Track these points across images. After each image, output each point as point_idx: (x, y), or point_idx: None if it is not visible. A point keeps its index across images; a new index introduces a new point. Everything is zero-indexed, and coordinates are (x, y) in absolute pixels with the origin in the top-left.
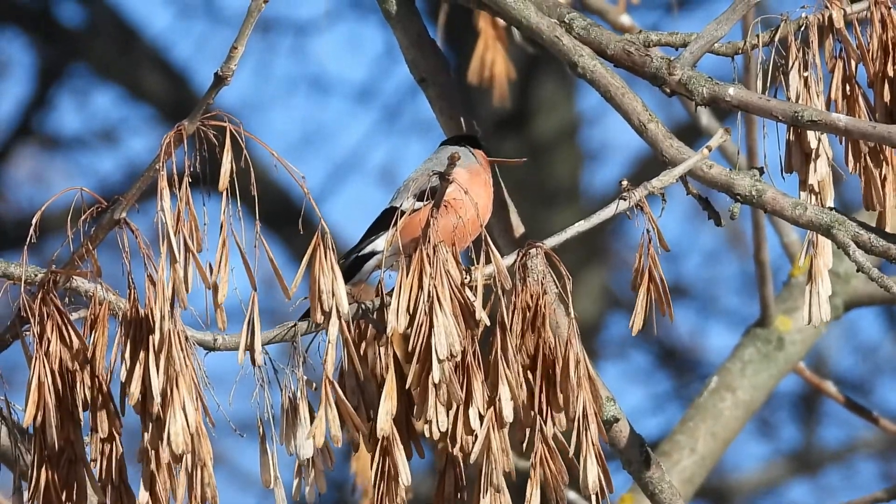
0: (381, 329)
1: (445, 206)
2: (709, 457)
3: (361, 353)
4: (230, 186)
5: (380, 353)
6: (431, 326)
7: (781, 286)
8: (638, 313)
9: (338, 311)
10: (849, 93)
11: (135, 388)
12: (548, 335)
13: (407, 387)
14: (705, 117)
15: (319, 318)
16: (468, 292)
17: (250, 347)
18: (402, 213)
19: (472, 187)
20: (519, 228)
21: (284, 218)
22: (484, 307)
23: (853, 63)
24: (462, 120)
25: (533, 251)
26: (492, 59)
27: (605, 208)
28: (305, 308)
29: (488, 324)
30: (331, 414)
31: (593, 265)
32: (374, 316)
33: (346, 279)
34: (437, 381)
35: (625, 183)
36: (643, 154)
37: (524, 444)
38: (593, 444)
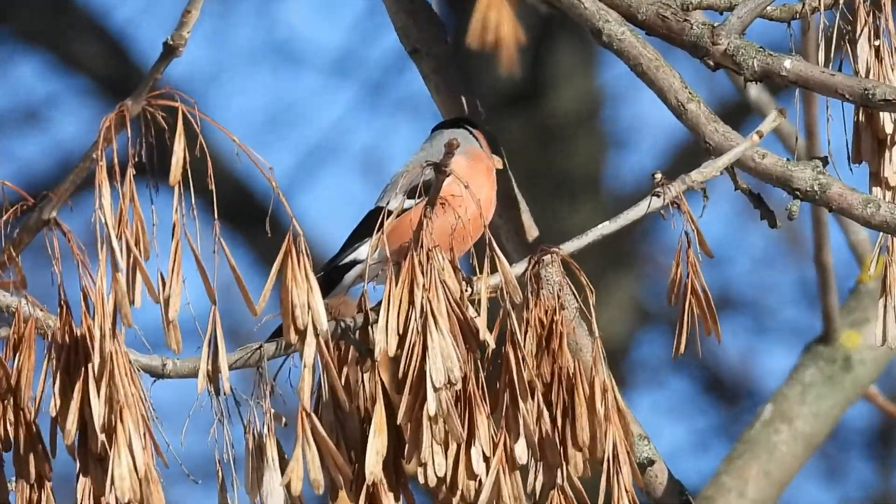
0: (365, 351)
1: (442, 203)
2: (761, 502)
3: (342, 380)
4: (183, 179)
5: (363, 381)
6: (425, 348)
7: (847, 294)
8: (678, 333)
9: (315, 329)
10: None
11: (70, 424)
12: (566, 359)
13: (397, 421)
14: (756, 94)
15: (293, 337)
16: (469, 307)
17: (212, 373)
18: (390, 213)
19: (474, 178)
20: (531, 230)
21: (249, 215)
22: (489, 325)
23: None
24: (463, 99)
25: (548, 258)
26: (497, 20)
27: (635, 206)
28: (274, 327)
29: (494, 346)
30: (309, 453)
31: (621, 274)
32: (357, 336)
33: (325, 292)
34: (432, 415)
35: (658, 176)
36: (681, 140)
37: (536, 491)
38: (627, 492)
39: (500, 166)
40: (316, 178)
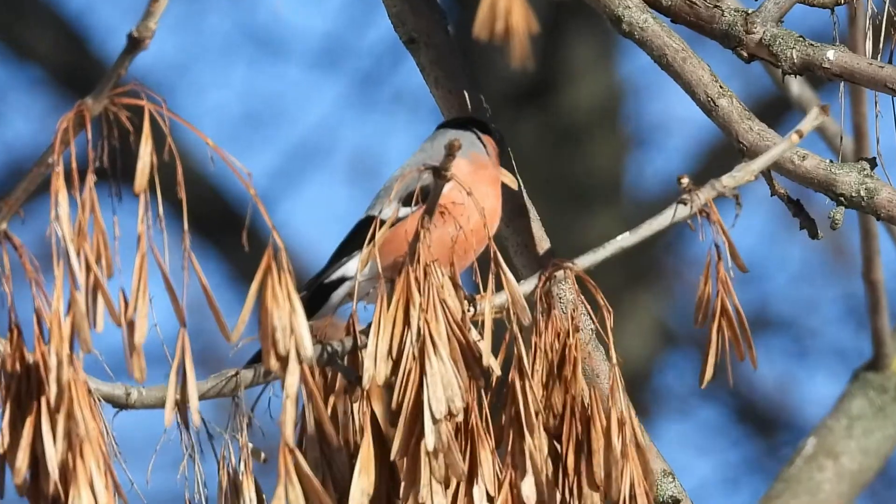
0: (355, 379)
1: (441, 211)
2: None
3: (329, 411)
4: (150, 186)
5: (352, 412)
6: (423, 376)
7: None
8: (707, 358)
9: (298, 354)
10: None
11: (21, 462)
12: (581, 387)
13: (390, 457)
14: (796, 89)
15: (273, 364)
16: (472, 330)
17: (182, 403)
18: (383, 223)
19: (478, 185)
20: (542, 242)
21: (224, 226)
22: (494, 350)
23: None
24: (466, 95)
25: (560, 273)
26: (506, 7)
27: (659, 215)
28: (253, 351)
29: (500, 373)
30: (293, 493)
31: (642, 292)
32: (345, 362)
33: (309, 313)
34: (431, 449)
35: (685, 181)
36: (711, 140)
37: None
38: None
39: (514, 186)
40: (299, 183)
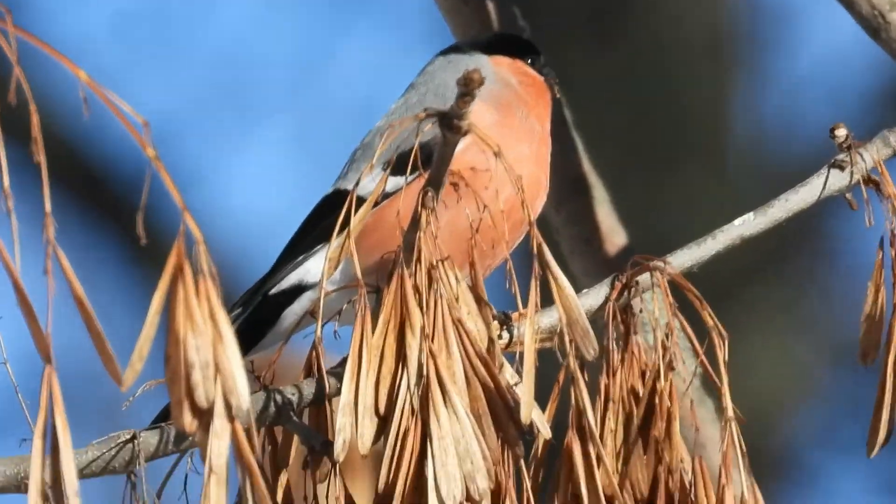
0: (320, 446)
1: (454, 183)
2: None
3: (278, 494)
4: None
5: (316, 497)
6: (426, 440)
7: None
8: (877, 414)
9: (228, 407)
10: None
11: None
12: (677, 457)
13: None
14: None
15: (188, 422)
16: (506, 367)
17: (51, 484)
18: (361, 201)
19: (510, 143)
20: (613, 234)
21: (110, 205)
22: (542, 399)
23: None
24: (489, 5)
25: (645, 278)
26: None
27: (800, 187)
28: (161, 405)
29: (549, 435)
30: None
31: (774, 306)
32: (307, 419)
33: (247, 342)
34: None
35: (842, 133)
36: (880, 75)
37: None
38: None
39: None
40: (226, 136)
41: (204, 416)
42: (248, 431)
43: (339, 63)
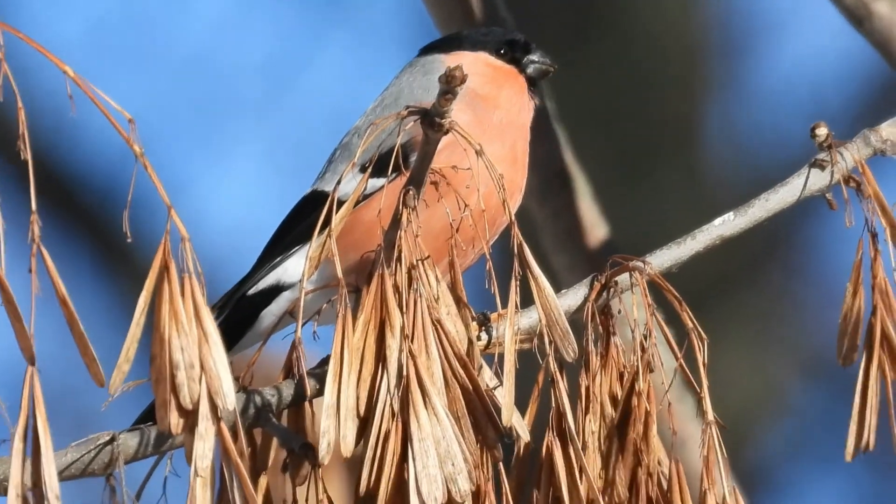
0: (300, 449)
1: (435, 182)
2: None
3: (260, 496)
4: None
5: (296, 499)
6: (407, 442)
7: None
8: (858, 418)
9: (212, 408)
10: None
11: None
12: (656, 459)
13: None
14: None
15: (173, 423)
16: (485, 368)
17: (32, 486)
18: (341, 202)
19: (492, 140)
20: (595, 228)
21: (95, 205)
22: (521, 401)
23: None
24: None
25: (624, 278)
26: None
27: (780, 187)
28: (145, 405)
29: (528, 438)
30: None
31: (752, 307)
32: (287, 421)
33: (229, 340)
34: None
35: (822, 132)
36: (863, 69)
37: None
38: None
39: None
40: (201, 143)
41: (188, 417)
42: (232, 433)
43: (314, 70)
